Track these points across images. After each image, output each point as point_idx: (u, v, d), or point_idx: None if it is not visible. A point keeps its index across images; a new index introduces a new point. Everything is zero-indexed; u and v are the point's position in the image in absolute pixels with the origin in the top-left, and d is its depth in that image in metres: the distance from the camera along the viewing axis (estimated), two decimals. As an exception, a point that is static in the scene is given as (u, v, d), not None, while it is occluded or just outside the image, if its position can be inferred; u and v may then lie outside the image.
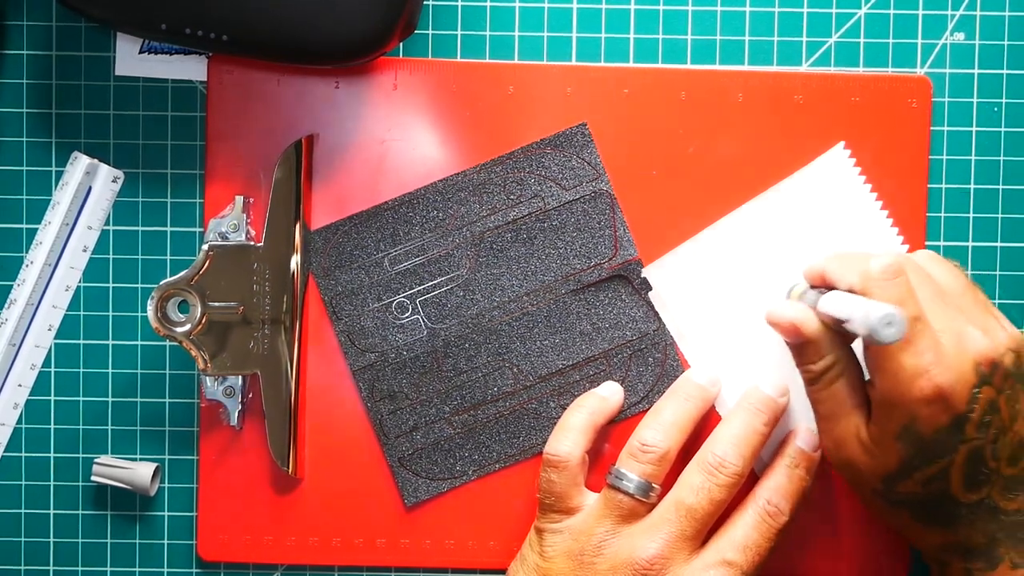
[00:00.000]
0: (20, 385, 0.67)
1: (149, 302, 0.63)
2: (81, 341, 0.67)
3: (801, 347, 0.59)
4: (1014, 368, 0.57)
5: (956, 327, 0.56)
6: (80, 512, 0.67)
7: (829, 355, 0.58)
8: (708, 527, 0.61)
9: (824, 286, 0.60)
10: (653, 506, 0.61)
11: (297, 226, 0.65)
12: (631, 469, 0.61)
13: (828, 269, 0.60)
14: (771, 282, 0.66)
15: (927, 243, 0.66)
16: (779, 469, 0.62)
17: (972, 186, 0.67)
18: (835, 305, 0.57)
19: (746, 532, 0.60)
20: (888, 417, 0.56)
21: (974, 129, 0.66)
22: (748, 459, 0.61)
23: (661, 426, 0.62)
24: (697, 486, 0.60)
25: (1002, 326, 0.58)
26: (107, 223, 0.67)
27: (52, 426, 0.67)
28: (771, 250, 0.66)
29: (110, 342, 0.67)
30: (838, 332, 0.58)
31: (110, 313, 0.67)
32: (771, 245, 0.66)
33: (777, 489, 0.61)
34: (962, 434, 0.56)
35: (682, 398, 0.63)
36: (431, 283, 0.66)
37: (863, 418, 0.58)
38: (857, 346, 0.59)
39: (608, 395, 0.65)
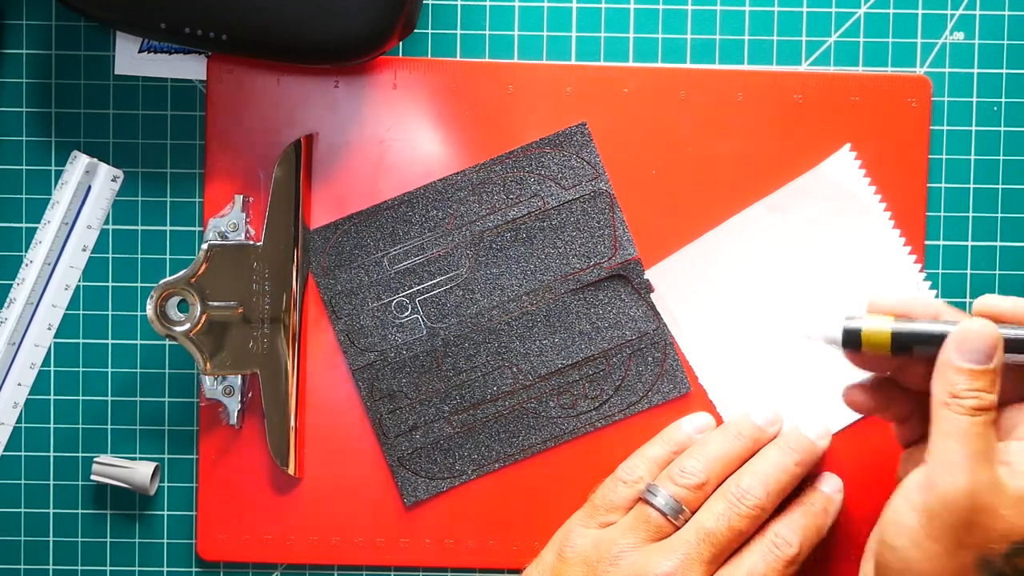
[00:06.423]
0: (20, 384, 0.67)
1: (148, 301, 0.63)
2: (80, 340, 0.67)
3: (981, 373, 0.55)
4: None
5: None
6: (79, 511, 0.67)
7: (995, 392, 0.55)
8: (725, 555, 0.60)
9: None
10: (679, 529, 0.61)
11: (297, 225, 0.65)
12: (666, 488, 0.61)
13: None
14: (775, 285, 0.66)
15: (927, 242, 0.66)
16: (795, 506, 0.62)
17: (971, 185, 0.67)
18: None
19: (752, 561, 0.60)
20: None
21: (973, 128, 0.66)
22: (773, 495, 0.61)
23: (704, 457, 0.62)
24: (719, 512, 0.60)
25: None
26: (106, 222, 0.67)
27: (52, 425, 0.67)
28: (776, 253, 0.66)
29: (109, 341, 0.67)
30: None
31: (109, 312, 0.67)
32: (776, 248, 0.66)
33: (788, 523, 0.61)
34: None
35: (733, 435, 0.63)
36: (431, 282, 0.66)
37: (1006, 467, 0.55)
38: None
39: (697, 433, 0.65)
